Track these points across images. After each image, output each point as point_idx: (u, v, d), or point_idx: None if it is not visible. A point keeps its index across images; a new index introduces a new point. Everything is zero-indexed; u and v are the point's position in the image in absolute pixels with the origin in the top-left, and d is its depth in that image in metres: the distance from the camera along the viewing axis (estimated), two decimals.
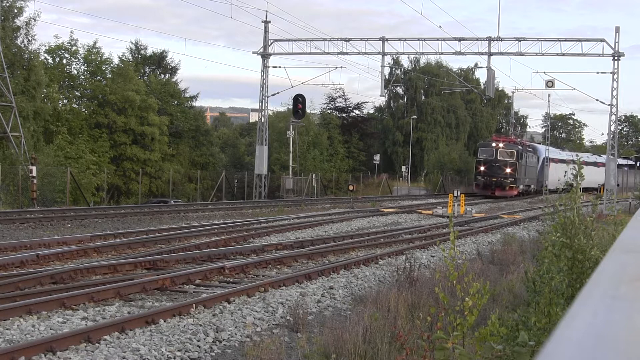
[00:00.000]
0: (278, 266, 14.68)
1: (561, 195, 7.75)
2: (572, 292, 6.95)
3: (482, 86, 58.71)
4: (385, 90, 53.62)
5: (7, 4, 37.82)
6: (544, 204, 31.38)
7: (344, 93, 69.20)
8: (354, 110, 71.73)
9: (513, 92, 71.17)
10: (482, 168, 50.75)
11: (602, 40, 38.02)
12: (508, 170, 50.40)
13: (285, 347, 8.59)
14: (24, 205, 29.81)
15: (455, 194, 31.69)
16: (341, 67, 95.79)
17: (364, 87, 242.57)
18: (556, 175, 62.86)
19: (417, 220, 28.80)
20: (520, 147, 53.14)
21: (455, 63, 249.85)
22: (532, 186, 58.51)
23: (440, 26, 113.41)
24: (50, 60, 46.41)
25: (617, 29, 38.15)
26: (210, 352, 8.41)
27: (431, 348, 6.35)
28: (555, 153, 68.00)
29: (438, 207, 33.55)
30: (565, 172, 8.22)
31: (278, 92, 75.42)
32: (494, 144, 51.91)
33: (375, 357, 7.94)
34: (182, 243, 17.61)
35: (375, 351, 7.98)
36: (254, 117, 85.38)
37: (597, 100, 59.48)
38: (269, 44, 41.30)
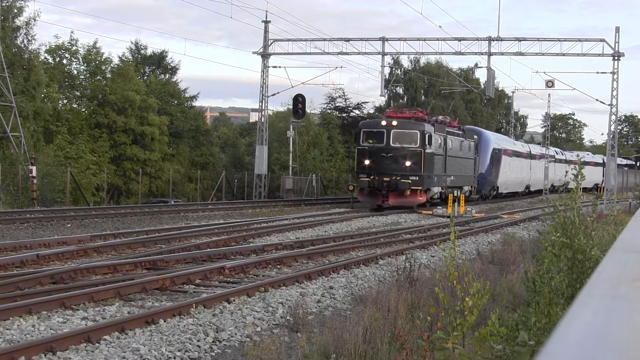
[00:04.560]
0: (278, 266, 14.68)
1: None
2: (572, 292, 6.95)
3: (482, 86, 58.70)
4: (385, 90, 52.49)
5: (7, 4, 37.81)
6: (544, 204, 31.37)
7: (344, 93, 69.13)
8: (354, 110, 71.69)
9: (513, 92, 71.18)
10: (366, 162, 32.37)
11: (602, 40, 38.02)
12: (407, 163, 31.96)
13: (285, 347, 8.59)
14: (24, 205, 29.80)
15: (455, 194, 31.72)
16: (341, 67, 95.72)
17: (365, 87, 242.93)
18: (510, 174, 49.34)
19: (417, 220, 28.80)
20: (429, 125, 33.50)
21: (455, 63, 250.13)
22: (468, 188, 39.41)
23: (440, 26, 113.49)
24: (50, 60, 46.40)
25: (617, 29, 38.16)
26: (210, 352, 8.42)
27: (431, 348, 6.35)
28: (507, 144, 52.10)
29: (438, 207, 33.56)
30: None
31: (278, 92, 75.18)
32: (384, 122, 33.07)
33: (375, 357, 7.94)
34: (182, 243, 17.61)
35: (375, 351, 7.98)
36: (254, 117, 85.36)
37: (597, 100, 57.57)
38: (269, 44, 41.31)
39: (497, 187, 46.53)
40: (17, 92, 36.60)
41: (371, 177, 31.99)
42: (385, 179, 31.76)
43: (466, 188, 39.13)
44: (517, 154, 51.70)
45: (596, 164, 68.37)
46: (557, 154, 64.43)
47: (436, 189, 34.34)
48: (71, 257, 14.62)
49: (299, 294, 11.66)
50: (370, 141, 32.84)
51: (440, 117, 37.69)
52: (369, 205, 33.00)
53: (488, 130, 52.97)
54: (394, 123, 32.65)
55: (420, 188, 31.98)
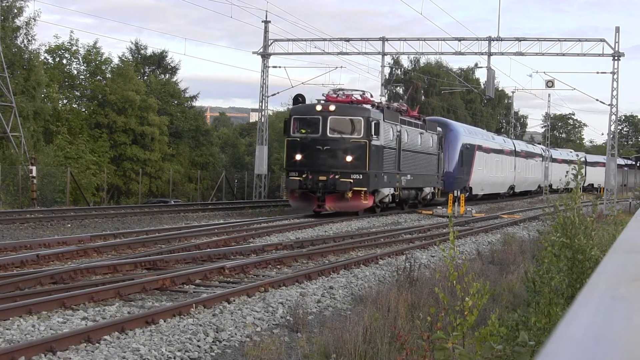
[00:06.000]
0: (278, 266, 14.68)
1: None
2: (572, 292, 6.95)
3: (482, 86, 58.67)
4: (385, 90, 52.48)
5: (7, 4, 37.82)
6: (544, 204, 31.37)
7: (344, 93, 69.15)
8: None
9: (513, 92, 71.14)
10: (297, 157, 26.61)
11: (602, 40, 38.03)
12: (348, 157, 26.25)
13: (285, 347, 8.59)
14: (24, 205, 29.82)
15: (455, 194, 31.69)
16: (341, 67, 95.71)
17: (365, 87, 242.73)
18: (487, 173, 43.62)
19: (417, 220, 28.78)
20: (377, 111, 27.69)
21: (455, 63, 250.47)
22: (430, 189, 33.91)
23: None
24: (50, 60, 46.41)
25: (617, 29, 38.17)
26: (210, 352, 8.42)
27: (431, 348, 6.35)
28: (483, 138, 45.13)
29: (438, 207, 33.56)
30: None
31: (278, 92, 75.28)
32: (319, 107, 26.98)
33: (375, 357, 7.94)
34: (182, 243, 17.62)
35: (375, 351, 7.98)
36: (254, 117, 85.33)
37: (597, 100, 57.11)
38: (269, 44, 41.31)
39: (471, 188, 40.05)
40: (17, 92, 36.60)
41: (303, 176, 26.08)
42: (320, 178, 25.91)
43: (427, 189, 33.67)
44: (496, 151, 46.17)
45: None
46: (543, 151, 61.27)
47: (387, 191, 28.56)
48: (71, 257, 14.62)
49: (299, 294, 11.65)
50: (303, 131, 26.86)
51: (395, 104, 32.00)
52: (301, 211, 27.65)
53: (460, 123, 46.82)
54: (332, 108, 26.66)
55: (364, 189, 26.19)
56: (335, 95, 28.39)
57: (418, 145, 32.16)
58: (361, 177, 26.13)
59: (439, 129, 35.88)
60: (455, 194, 31.56)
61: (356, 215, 27.11)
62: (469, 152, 40.18)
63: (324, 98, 28.19)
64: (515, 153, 50.58)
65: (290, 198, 27.55)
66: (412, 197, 32.25)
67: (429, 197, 34.03)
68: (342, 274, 14.02)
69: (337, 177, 25.92)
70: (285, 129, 27.77)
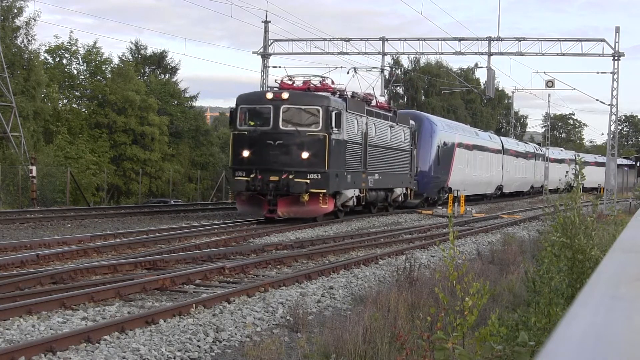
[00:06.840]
0: (278, 266, 14.69)
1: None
2: (572, 292, 6.96)
3: (482, 86, 58.67)
4: (385, 90, 52.36)
5: (7, 4, 37.83)
6: (544, 204, 31.37)
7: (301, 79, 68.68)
8: None
9: (513, 92, 71.16)
10: (245, 153, 23.09)
11: (602, 40, 38.05)
12: (304, 154, 22.75)
13: (285, 347, 8.59)
14: (24, 205, 29.82)
15: (455, 194, 31.69)
16: (341, 67, 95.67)
17: (365, 87, 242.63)
18: (470, 172, 40.17)
19: (417, 220, 28.78)
20: (338, 100, 24.17)
21: (455, 63, 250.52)
22: (401, 190, 30.38)
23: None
24: (50, 60, 46.42)
25: (617, 29, 38.18)
26: (210, 352, 8.42)
27: (431, 348, 6.35)
28: (464, 134, 41.33)
29: (438, 207, 33.56)
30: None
31: None
32: (270, 95, 23.37)
33: (375, 357, 7.94)
34: (182, 243, 17.62)
35: (375, 351, 7.98)
36: None
37: (597, 100, 56.84)
38: (269, 44, 41.31)
39: (450, 189, 35.66)
40: (17, 92, 36.61)
41: (251, 176, 22.52)
42: (272, 178, 22.41)
43: (399, 190, 30.03)
44: (480, 148, 42.54)
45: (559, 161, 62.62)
46: (536, 150, 58.71)
47: (350, 193, 24.87)
48: (71, 257, 14.62)
49: (299, 294, 11.65)
50: (252, 123, 23.30)
51: (361, 93, 27.56)
52: (249, 217, 24.02)
53: (436, 117, 42.55)
54: (285, 96, 22.89)
55: (323, 191, 22.65)
56: (290, 82, 24.69)
57: (388, 140, 28.50)
58: (319, 177, 22.62)
59: (412, 122, 32.13)
60: (456, 194, 31.55)
61: (314, 221, 23.57)
62: (447, 148, 36.58)
63: (278, 85, 24.67)
64: (503, 151, 47.46)
65: (237, 201, 23.91)
66: (381, 199, 28.66)
67: (400, 198, 30.55)
68: (342, 274, 14.02)
69: (291, 177, 22.40)
70: (231, 121, 24.16)
